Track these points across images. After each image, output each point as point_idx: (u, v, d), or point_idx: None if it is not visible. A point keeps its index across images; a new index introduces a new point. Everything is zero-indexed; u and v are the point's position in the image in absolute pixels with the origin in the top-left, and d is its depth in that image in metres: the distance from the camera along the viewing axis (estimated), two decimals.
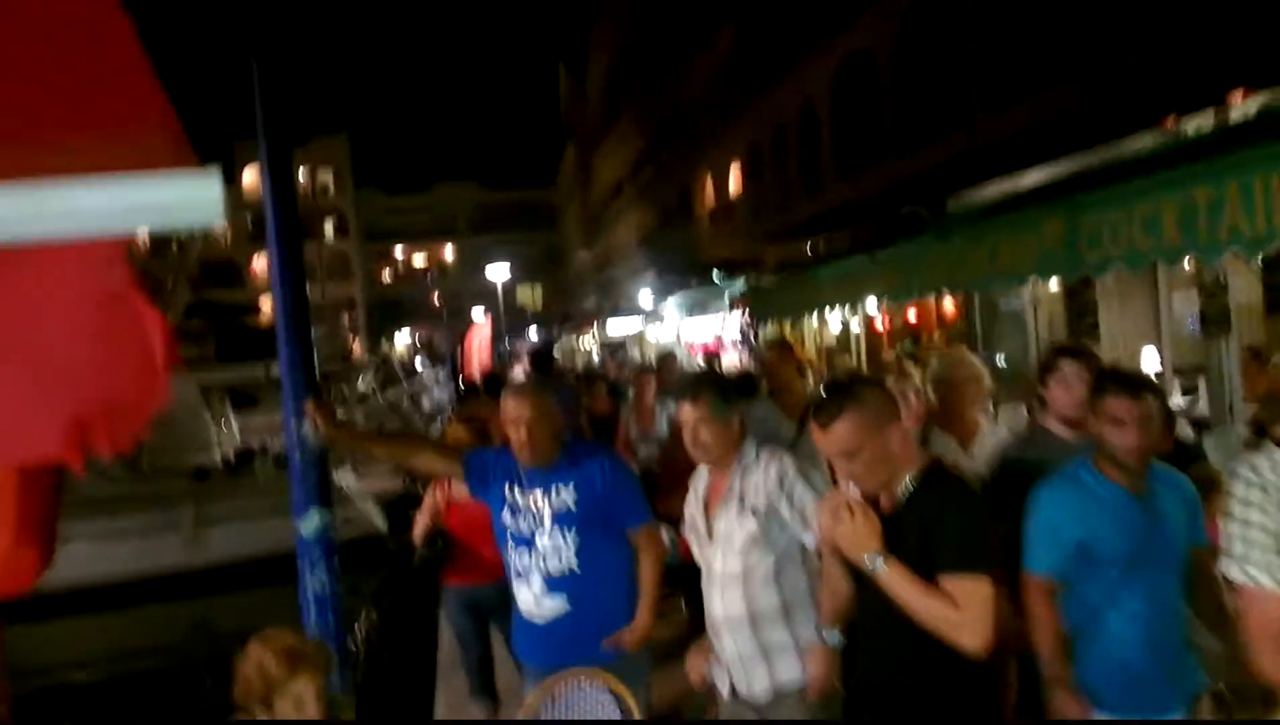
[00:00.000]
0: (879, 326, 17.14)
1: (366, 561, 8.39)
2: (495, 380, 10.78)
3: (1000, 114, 14.47)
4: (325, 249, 59.53)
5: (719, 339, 23.68)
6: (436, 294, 64.38)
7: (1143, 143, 7.27)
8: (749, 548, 3.20)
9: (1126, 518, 2.91)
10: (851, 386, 2.71)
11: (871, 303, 11.24)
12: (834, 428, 2.60)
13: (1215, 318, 7.90)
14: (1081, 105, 12.09)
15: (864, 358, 17.35)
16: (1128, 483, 2.94)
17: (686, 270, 29.47)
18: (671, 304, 27.15)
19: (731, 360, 21.20)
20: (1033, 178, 8.86)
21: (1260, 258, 5.27)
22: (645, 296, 30.92)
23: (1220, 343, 7.29)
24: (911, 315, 16.51)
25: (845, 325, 18.60)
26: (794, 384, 6.09)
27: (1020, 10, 14.19)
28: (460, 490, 4.62)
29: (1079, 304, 10.19)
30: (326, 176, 63.34)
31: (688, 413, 3.33)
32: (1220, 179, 4.15)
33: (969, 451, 4.24)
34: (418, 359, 29.10)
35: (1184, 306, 8.88)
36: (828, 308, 11.51)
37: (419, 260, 69.57)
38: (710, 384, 3.46)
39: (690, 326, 26.14)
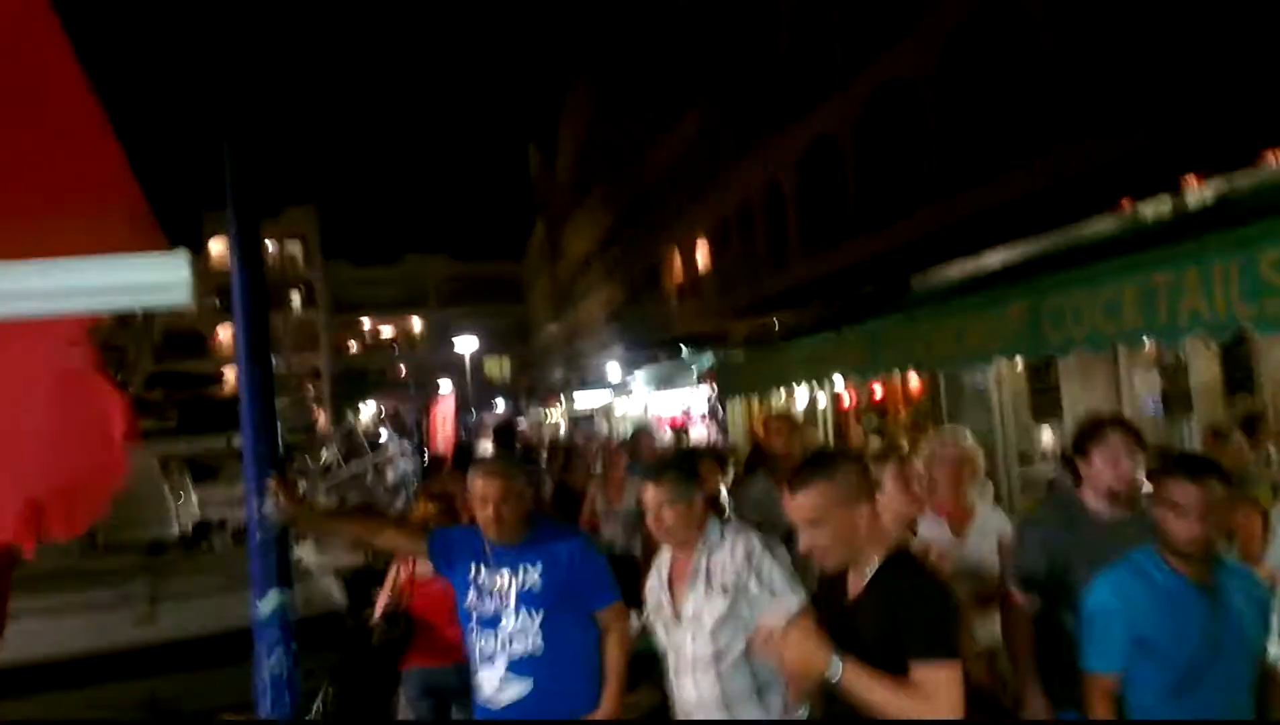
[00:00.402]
0: (845, 402, 17.23)
1: (325, 639, 8.18)
2: (465, 454, 10.68)
3: (962, 195, 14.80)
4: (292, 320, 59.26)
5: (687, 413, 23.71)
6: (403, 365, 64.11)
7: (1103, 226, 7.44)
8: (719, 628, 3.17)
9: (1191, 613, 2.71)
10: (828, 459, 2.75)
11: (838, 379, 11.30)
12: (801, 495, 2.64)
13: (1176, 398, 8.02)
14: (1042, 188, 12.40)
15: (831, 433, 17.40)
16: (1192, 574, 2.75)
17: (654, 344, 29.60)
18: (639, 377, 27.20)
19: (700, 434, 21.21)
20: (995, 258, 9.03)
21: (1218, 341, 5.36)
22: (613, 370, 30.98)
23: (1182, 423, 7.38)
24: (878, 391, 16.62)
25: (812, 400, 18.69)
26: (796, 461, 6.00)
27: (981, 94, 14.61)
28: (424, 568, 4.53)
29: (1042, 382, 10.30)
30: (295, 247, 63.34)
31: (651, 495, 3.35)
32: (1179, 264, 4.24)
33: (961, 536, 4.12)
34: (383, 431, 28.82)
35: (1145, 386, 9.01)
36: (795, 383, 11.56)
37: (386, 331, 69.44)
38: (674, 466, 3.46)
39: (658, 400, 26.17)
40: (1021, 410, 10.54)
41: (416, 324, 68.51)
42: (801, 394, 17.70)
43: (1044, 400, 10.36)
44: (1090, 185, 10.72)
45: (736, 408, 20.19)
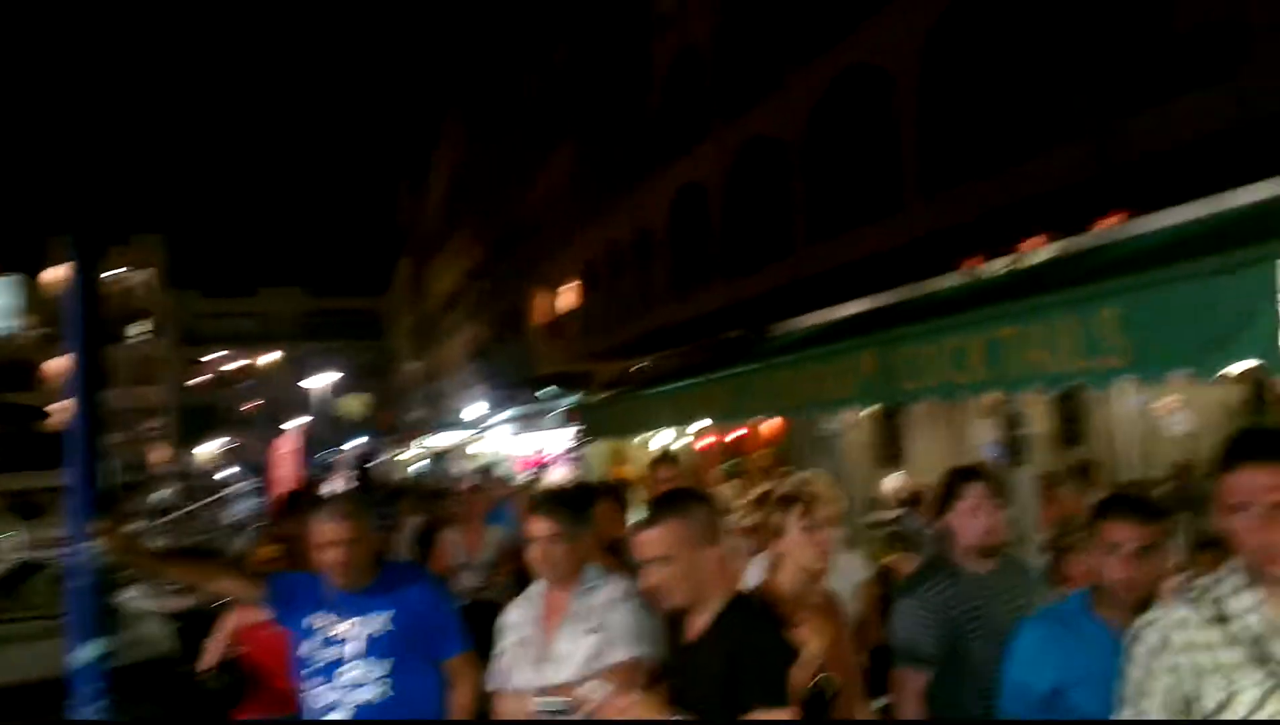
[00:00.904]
0: (704, 445, 17.43)
1: (153, 687, 7.68)
2: (309, 494, 10.19)
3: (821, 248, 15.29)
4: (135, 351, 56.40)
5: (548, 454, 23.57)
6: (254, 401, 61.73)
7: (949, 282, 7.77)
8: (587, 669, 3.11)
9: (1112, 665, 2.35)
10: (682, 498, 2.76)
11: (700, 422, 11.42)
12: (652, 531, 2.63)
13: (1014, 446, 8.40)
14: (894, 246, 12.94)
15: (689, 476, 17.53)
16: (1122, 622, 2.43)
17: (518, 384, 29.38)
18: (501, 417, 26.92)
19: (559, 476, 21.07)
20: (850, 309, 9.32)
21: (1056, 393, 5.64)
22: (475, 409, 30.58)
23: (1018, 470, 7.71)
24: (735, 434, 16.88)
25: (672, 443, 18.83)
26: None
27: (841, 155, 15.18)
28: (261, 613, 4.29)
29: (890, 429, 10.66)
30: (142, 276, 60.47)
31: (540, 528, 3.24)
32: (1023, 320, 4.45)
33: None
34: (226, 469, 27.66)
35: (985, 435, 9.41)
36: (659, 428, 11.62)
37: (238, 365, 66.77)
38: (564, 501, 3.38)
39: (519, 441, 25.93)
40: (868, 456, 10.86)
41: (270, 358, 66.12)
42: (664, 437, 17.81)
43: (892, 449, 10.72)
44: (938, 244, 11.25)
45: (599, 450, 20.16)
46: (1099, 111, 10.21)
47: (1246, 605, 2.01)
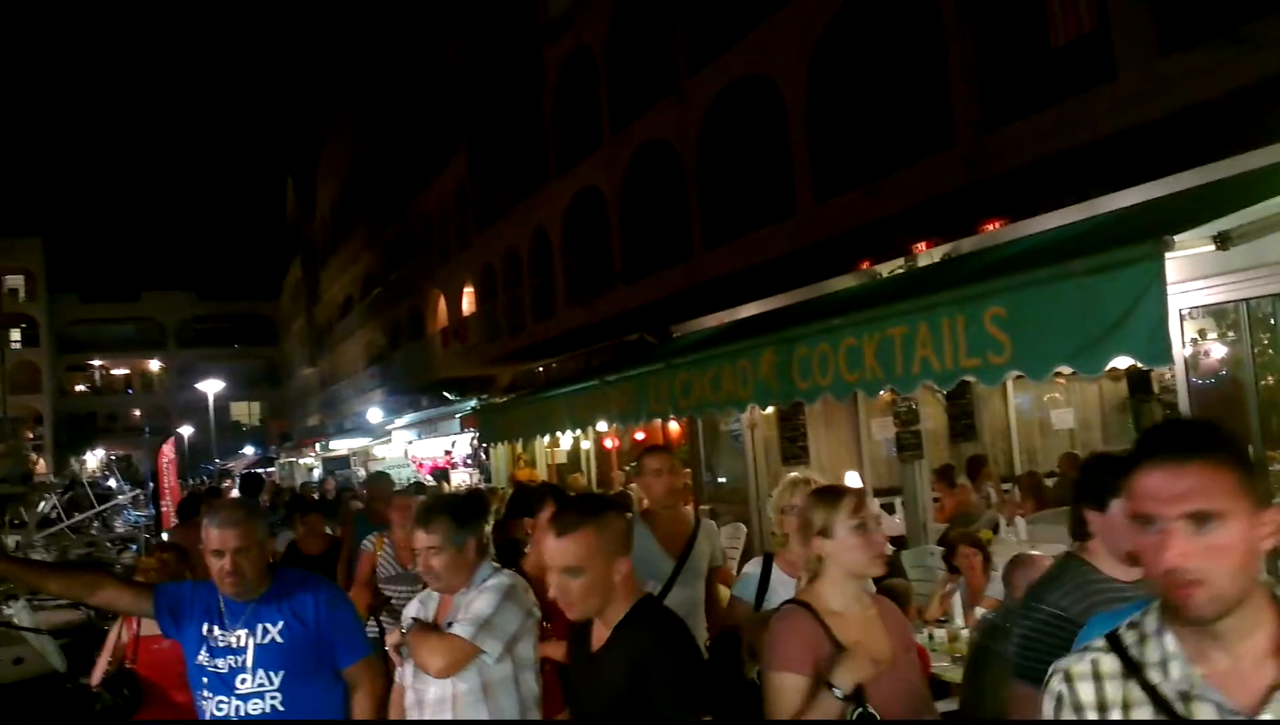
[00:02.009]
0: (608, 445, 17.47)
1: (41, 705, 7.35)
2: (193, 504, 9.82)
3: (720, 251, 15.48)
4: (9, 358, 53.68)
5: (448, 457, 23.32)
6: (139, 409, 59.48)
7: (844, 283, 7.95)
8: (467, 670, 3.14)
9: None
10: (598, 506, 2.67)
11: (603, 425, 11.44)
12: (567, 540, 2.55)
13: (908, 444, 8.64)
14: (791, 249, 13.18)
15: (594, 477, 17.58)
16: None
17: (417, 389, 28.96)
18: (401, 422, 26.51)
19: (461, 479, 20.88)
20: (749, 311, 9.45)
21: (946, 390, 5.82)
22: (374, 414, 30.03)
23: (913, 466, 7.94)
24: (640, 435, 16.95)
25: (576, 444, 18.84)
26: (678, 505, 4.79)
27: (737, 160, 15.39)
28: (151, 626, 4.14)
29: (791, 428, 10.82)
30: (16, 281, 57.61)
31: (420, 540, 3.25)
32: (912, 319, 4.58)
33: None
34: (112, 480, 26.56)
35: (881, 432, 9.65)
36: (560, 430, 11.58)
37: (120, 373, 64.15)
38: (445, 510, 3.34)
39: (420, 445, 25.57)
40: (772, 455, 11.03)
41: (155, 365, 63.71)
42: (566, 438, 17.79)
43: (794, 447, 10.90)
44: (833, 248, 11.51)
45: (500, 453, 20.03)
46: (978, 121, 10.59)
47: (1165, 653, 1.50)
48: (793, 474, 4.11)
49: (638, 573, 4.21)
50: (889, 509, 8.88)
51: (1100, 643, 1.60)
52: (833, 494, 2.75)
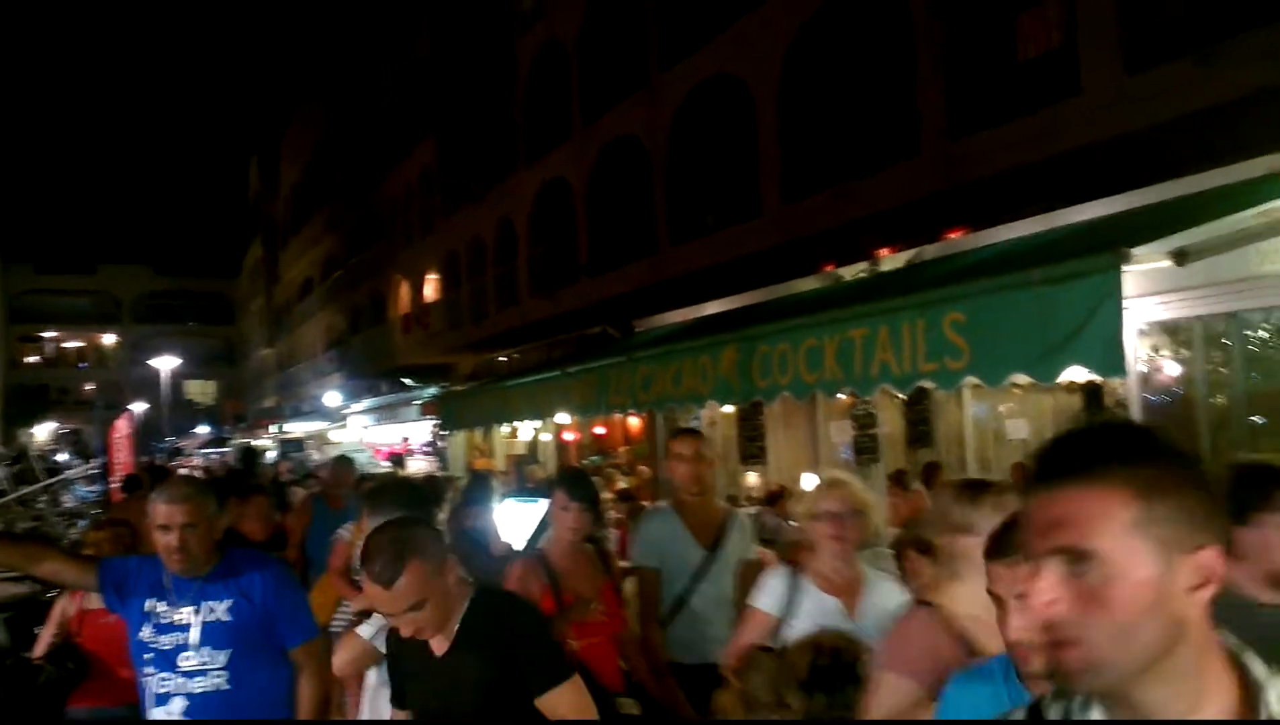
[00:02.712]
0: (567, 438, 17.45)
1: None
2: (137, 480, 9.67)
3: (686, 248, 15.50)
4: None
5: (405, 444, 23.17)
6: (92, 383, 58.43)
7: (808, 285, 8.00)
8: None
9: None
10: (405, 538, 2.50)
11: (562, 417, 11.42)
12: (399, 585, 2.42)
13: (865, 447, 8.72)
14: (757, 249, 13.22)
15: (553, 470, 17.51)
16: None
17: (376, 375, 28.72)
18: (358, 407, 26.28)
19: (419, 466, 20.75)
20: (713, 308, 9.48)
21: (904, 394, 5.88)
22: (331, 398, 29.75)
23: (870, 469, 8.01)
24: (600, 429, 16.95)
25: (535, 437, 18.79)
26: (708, 494, 4.43)
27: (706, 158, 15.41)
28: (95, 601, 4.08)
29: (750, 428, 10.88)
30: None
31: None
32: (873, 321, 4.62)
33: (853, 613, 3.22)
34: (61, 454, 26.11)
35: (839, 435, 9.73)
36: (519, 420, 11.56)
37: (73, 346, 62.96)
38: (407, 495, 3.34)
39: (377, 431, 25.38)
40: (731, 454, 11.08)
41: (110, 339, 62.63)
42: (525, 429, 17.74)
43: (752, 447, 10.96)
44: (799, 250, 11.57)
45: (458, 441, 19.93)
46: (946, 130, 10.69)
47: None
48: (832, 474, 3.63)
49: (669, 562, 4.12)
50: None
51: (1021, 714, 1.29)
52: (978, 488, 2.38)
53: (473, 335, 23.53)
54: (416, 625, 2.49)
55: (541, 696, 2.52)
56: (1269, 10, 7.31)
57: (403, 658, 2.74)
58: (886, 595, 3.27)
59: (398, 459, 21.85)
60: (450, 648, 2.57)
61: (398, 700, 2.79)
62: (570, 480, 4.08)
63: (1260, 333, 5.20)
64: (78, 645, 4.37)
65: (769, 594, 3.36)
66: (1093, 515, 1.11)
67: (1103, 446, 1.14)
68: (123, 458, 14.62)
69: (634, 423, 15.06)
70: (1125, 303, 3.63)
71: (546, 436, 18.29)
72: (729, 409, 10.39)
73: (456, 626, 2.58)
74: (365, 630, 3.32)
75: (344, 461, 8.40)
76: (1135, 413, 5.49)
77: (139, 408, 40.97)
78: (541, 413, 10.21)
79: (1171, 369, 5.51)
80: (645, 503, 10.83)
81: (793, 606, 3.28)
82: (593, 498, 3.97)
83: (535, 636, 2.62)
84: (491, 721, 2.54)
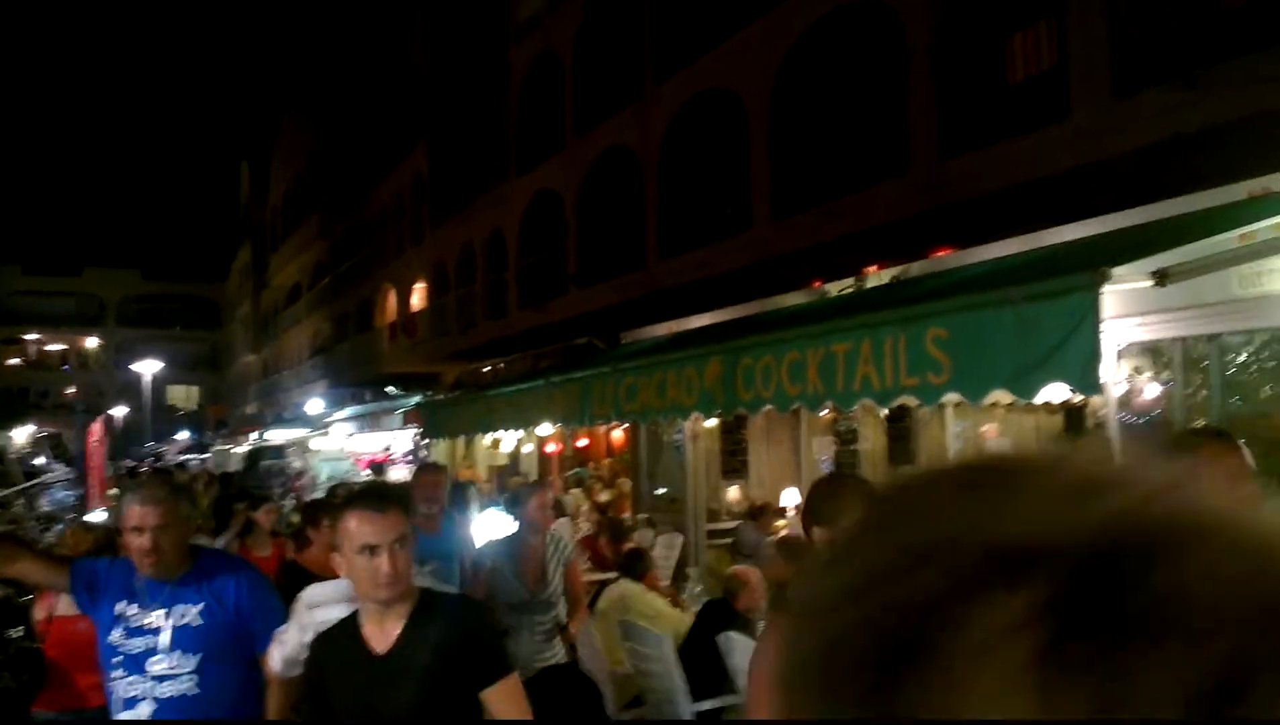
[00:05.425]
0: (549, 450, 17.41)
1: None
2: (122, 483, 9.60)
3: (675, 261, 15.51)
4: None
5: (387, 453, 23.06)
6: (74, 386, 58.04)
7: (794, 300, 8.02)
8: None
9: None
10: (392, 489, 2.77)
11: (545, 427, 11.39)
12: (393, 514, 2.66)
13: (847, 463, 8.73)
14: (746, 263, 13.25)
15: (534, 480, 17.44)
16: None
17: (360, 382, 28.60)
18: (341, 415, 26.14)
19: (399, 475, 20.65)
20: (700, 321, 9.49)
21: (886, 412, 5.88)
22: (314, 405, 29.61)
23: None
24: (582, 442, 16.92)
25: (518, 448, 18.74)
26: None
27: (697, 171, 15.45)
28: (68, 605, 4.04)
29: (733, 442, 10.88)
30: None
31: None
32: (856, 336, 4.62)
33: None
34: (40, 457, 25.93)
35: (821, 451, 9.74)
36: (501, 429, 11.52)
37: (56, 348, 62.50)
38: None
39: (359, 439, 25.25)
40: (713, 468, 11.07)
41: (93, 342, 62.20)
42: (508, 440, 17.69)
43: (733, 460, 10.95)
44: (787, 266, 11.60)
45: (440, 451, 19.86)
46: (935, 150, 10.75)
47: None
48: None
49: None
50: None
51: None
52: None
53: (460, 345, 23.48)
54: (399, 562, 2.60)
55: (496, 687, 2.66)
56: (1254, 37, 7.39)
57: (328, 659, 2.75)
58: None
59: (379, 467, 21.75)
60: (399, 644, 2.63)
61: (315, 700, 2.79)
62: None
63: (1240, 356, 5.23)
64: (39, 651, 4.33)
65: None
66: None
67: None
68: (96, 463, 14.51)
69: (617, 435, 15.04)
70: (1105, 323, 3.64)
71: (529, 447, 18.24)
72: (712, 423, 10.40)
73: (408, 621, 2.64)
74: (292, 634, 3.27)
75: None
76: (1114, 434, 5.51)
77: (120, 412, 40.70)
78: (525, 422, 10.18)
79: (1151, 391, 5.53)
80: (624, 515, 10.80)
81: None
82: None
83: (481, 633, 2.78)
84: (438, 718, 2.63)
